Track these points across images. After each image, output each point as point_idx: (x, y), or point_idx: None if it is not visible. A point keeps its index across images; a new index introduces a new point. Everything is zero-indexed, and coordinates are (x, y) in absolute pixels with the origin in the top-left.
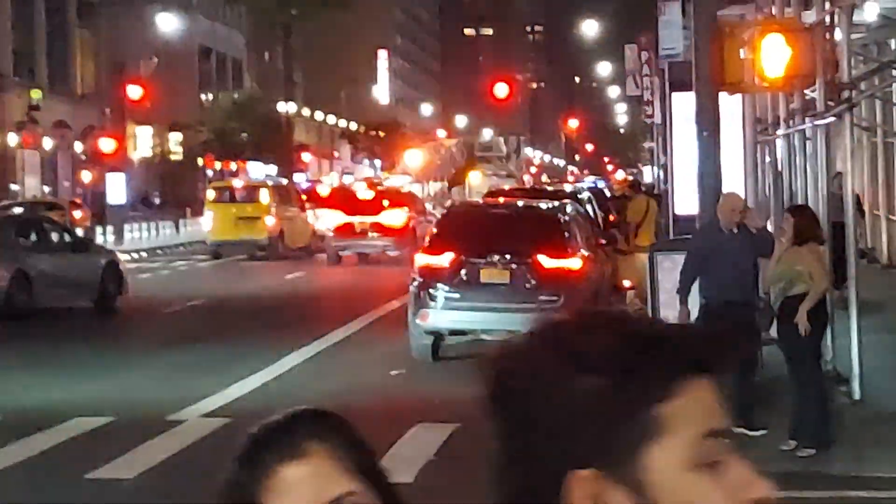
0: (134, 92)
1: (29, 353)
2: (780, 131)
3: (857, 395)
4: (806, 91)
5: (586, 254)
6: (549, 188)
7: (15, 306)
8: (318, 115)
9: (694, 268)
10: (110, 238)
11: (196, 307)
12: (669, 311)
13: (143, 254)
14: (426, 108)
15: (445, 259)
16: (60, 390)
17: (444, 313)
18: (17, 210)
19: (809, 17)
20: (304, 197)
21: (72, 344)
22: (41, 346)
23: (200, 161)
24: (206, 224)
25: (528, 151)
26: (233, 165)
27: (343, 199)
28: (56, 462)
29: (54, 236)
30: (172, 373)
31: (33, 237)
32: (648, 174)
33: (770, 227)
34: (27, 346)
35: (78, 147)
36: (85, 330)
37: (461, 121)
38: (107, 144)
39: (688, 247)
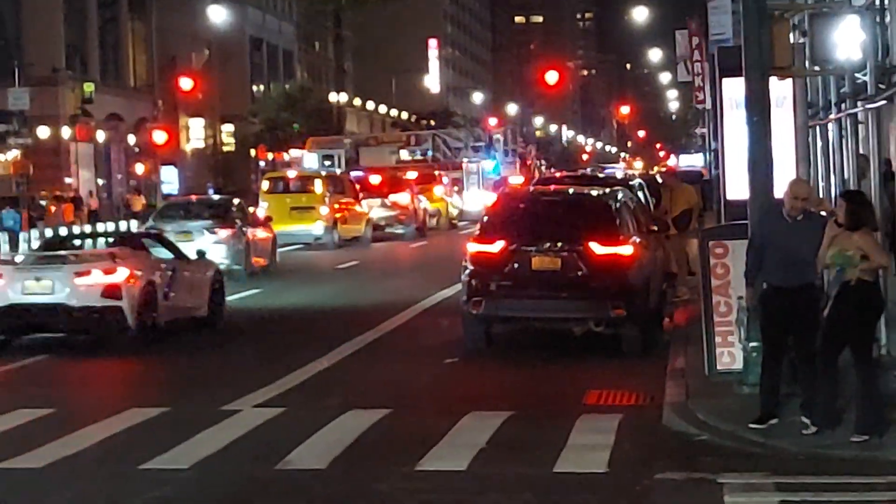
0: (186, 84)
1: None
2: (831, 115)
3: None
4: (857, 74)
5: (637, 240)
6: (600, 175)
7: None
8: (370, 105)
9: (756, 252)
10: None
11: (250, 297)
12: (721, 297)
13: None
14: (477, 97)
15: (496, 247)
16: (114, 381)
17: (496, 301)
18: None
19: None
20: (357, 186)
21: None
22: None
23: (253, 152)
24: (261, 214)
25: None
26: (289, 154)
27: None
28: (111, 452)
29: None
30: (227, 362)
31: None
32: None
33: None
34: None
35: (131, 139)
36: None
37: (512, 108)
38: (159, 136)
39: (751, 232)
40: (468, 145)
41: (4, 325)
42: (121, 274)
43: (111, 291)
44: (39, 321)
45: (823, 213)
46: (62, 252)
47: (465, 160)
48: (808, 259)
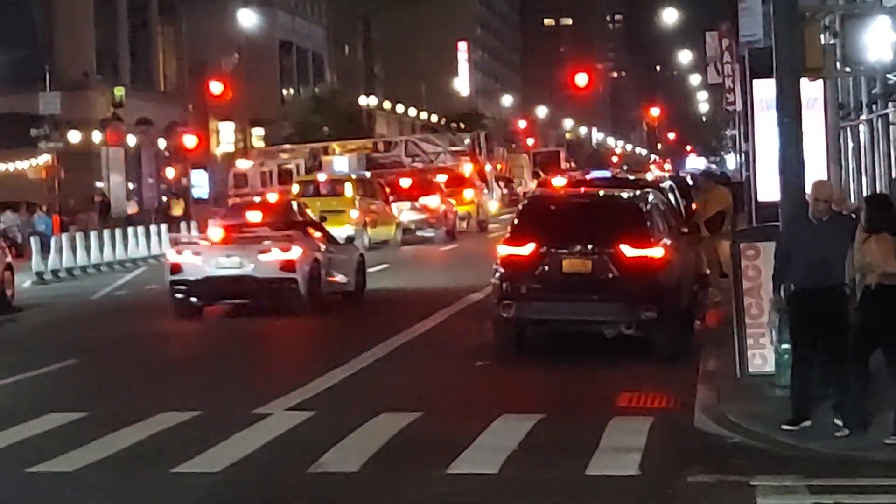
0: (216, 88)
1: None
2: (862, 116)
3: None
4: (888, 75)
5: (669, 242)
6: (631, 177)
7: None
8: (399, 108)
9: (783, 255)
10: (194, 233)
11: None
12: (752, 299)
13: None
14: (506, 100)
15: (527, 249)
16: (145, 385)
17: (526, 304)
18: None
19: (890, 0)
20: (387, 189)
21: (152, 344)
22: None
23: None
24: None
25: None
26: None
27: None
28: (143, 456)
29: None
30: (258, 366)
31: None
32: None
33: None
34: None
35: (161, 143)
36: (168, 324)
37: (541, 111)
38: (190, 140)
39: (778, 235)
40: (447, 150)
41: (203, 293)
42: (295, 252)
43: (288, 266)
44: (230, 290)
45: (852, 215)
46: (247, 234)
47: (443, 164)
48: (835, 260)
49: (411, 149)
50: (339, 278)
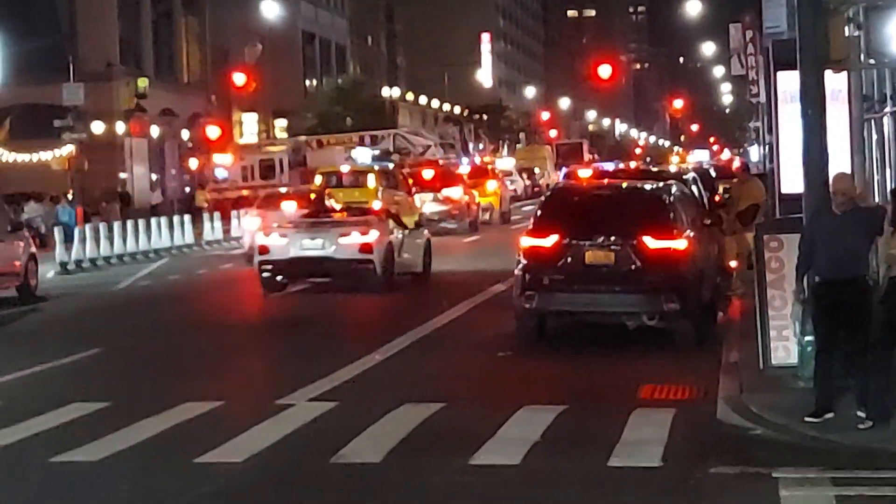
0: (239, 79)
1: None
2: (886, 109)
3: None
4: None
5: (691, 234)
6: (654, 169)
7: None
8: (422, 99)
9: (807, 247)
10: (217, 224)
11: (303, 291)
12: (775, 291)
13: None
14: (529, 91)
15: (550, 241)
16: (169, 375)
17: (549, 295)
18: None
19: None
20: (410, 181)
21: (176, 334)
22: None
23: None
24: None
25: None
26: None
27: None
28: (166, 446)
29: None
30: (281, 356)
31: None
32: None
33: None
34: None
35: (184, 135)
36: (192, 314)
37: (564, 102)
38: (213, 131)
39: (802, 227)
40: (437, 143)
41: (288, 272)
42: (372, 235)
43: (366, 248)
44: (312, 269)
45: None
46: (328, 219)
47: (434, 157)
48: (858, 252)
49: (400, 142)
50: (409, 260)
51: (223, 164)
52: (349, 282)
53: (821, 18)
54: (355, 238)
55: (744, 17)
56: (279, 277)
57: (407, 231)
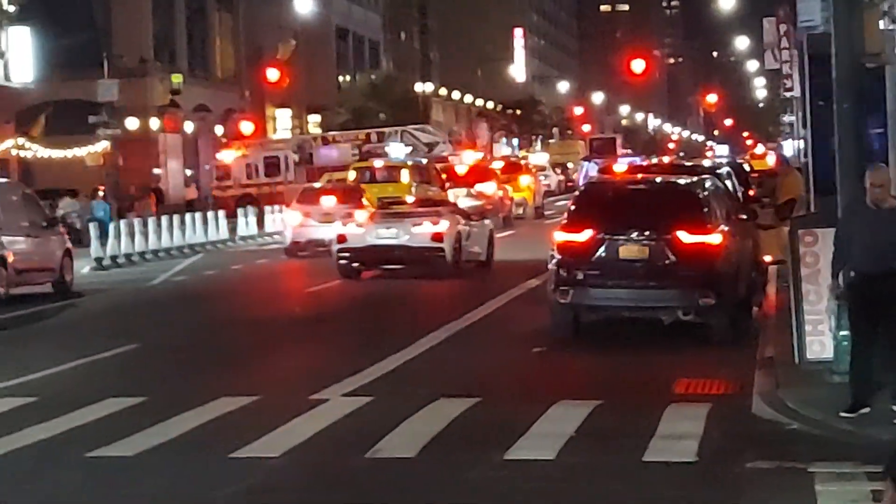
0: (272, 74)
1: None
2: None
3: None
4: None
5: (726, 229)
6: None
7: None
8: (455, 95)
9: (843, 242)
10: (251, 219)
11: (335, 287)
12: (810, 286)
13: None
14: (563, 86)
15: (584, 236)
16: (204, 370)
17: (583, 290)
18: None
19: None
20: (443, 176)
21: (211, 329)
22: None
23: None
24: None
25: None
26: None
27: None
28: (202, 441)
29: None
30: (316, 351)
31: None
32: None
33: None
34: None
35: (218, 130)
36: (228, 309)
37: (598, 97)
38: (246, 127)
39: (837, 221)
40: (446, 140)
41: (364, 259)
42: (443, 225)
43: (437, 237)
44: (387, 257)
45: None
46: (402, 210)
47: (442, 154)
48: (894, 246)
49: (407, 139)
50: (475, 249)
51: (226, 161)
52: (421, 269)
53: (856, 12)
54: (427, 228)
55: (778, 11)
56: (355, 264)
57: (472, 222)
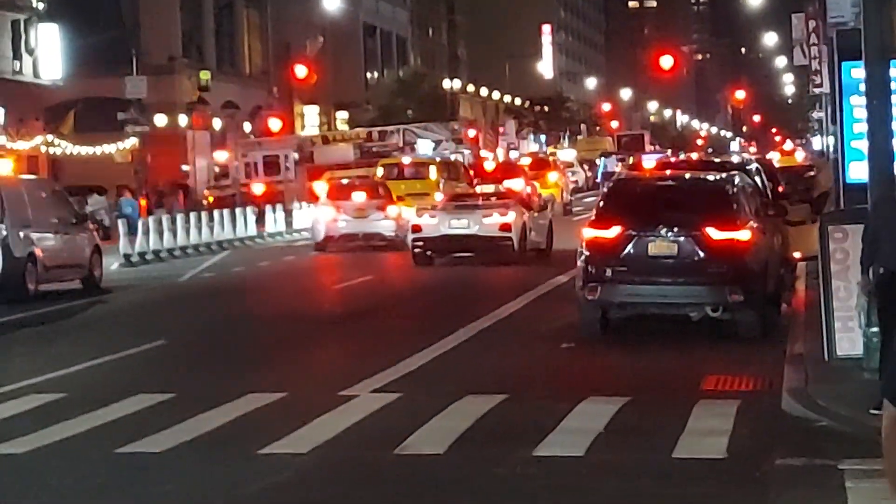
0: (300, 71)
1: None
2: None
3: None
4: None
5: (755, 225)
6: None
7: None
8: (483, 91)
9: (872, 238)
10: (280, 216)
11: (366, 283)
12: (840, 282)
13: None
14: (590, 82)
15: (613, 232)
16: (233, 366)
17: (612, 287)
18: None
19: None
20: (471, 172)
21: (240, 325)
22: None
23: None
24: None
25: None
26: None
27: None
28: (230, 437)
29: None
30: (344, 347)
31: None
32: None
33: None
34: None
35: (246, 127)
36: (255, 306)
37: (625, 93)
38: (275, 124)
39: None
40: (449, 138)
41: (438, 247)
42: (511, 216)
43: (505, 227)
44: (458, 246)
45: None
46: (471, 202)
47: (445, 153)
48: None
49: (409, 137)
50: (537, 238)
51: (222, 161)
52: (490, 256)
53: (886, 8)
54: (496, 218)
55: (807, 7)
56: (429, 252)
57: (535, 213)
